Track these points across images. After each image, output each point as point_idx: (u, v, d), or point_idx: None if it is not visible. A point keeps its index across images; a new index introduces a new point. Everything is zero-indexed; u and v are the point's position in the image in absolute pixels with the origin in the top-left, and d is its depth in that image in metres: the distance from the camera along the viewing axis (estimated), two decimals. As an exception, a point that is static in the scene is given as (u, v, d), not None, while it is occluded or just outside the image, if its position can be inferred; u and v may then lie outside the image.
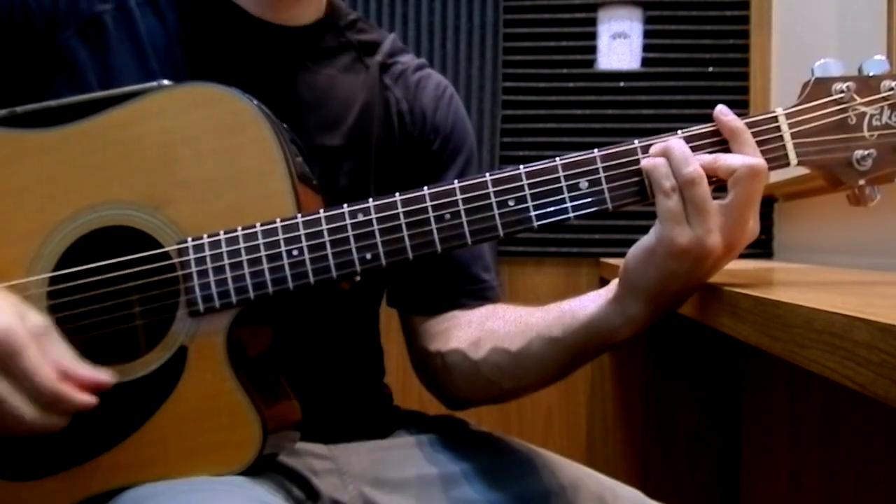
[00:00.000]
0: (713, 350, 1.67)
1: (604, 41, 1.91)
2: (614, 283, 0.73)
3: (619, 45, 1.90)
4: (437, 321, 0.91)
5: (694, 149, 0.69)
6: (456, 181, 0.71)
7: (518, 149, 1.91)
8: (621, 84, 1.90)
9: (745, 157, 0.67)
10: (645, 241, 0.69)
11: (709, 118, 0.71)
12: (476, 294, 0.91)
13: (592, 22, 1.91)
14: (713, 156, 0.68)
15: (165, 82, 0.74)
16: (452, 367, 0.86)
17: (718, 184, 0.68)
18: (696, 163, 0.67)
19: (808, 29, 1.67)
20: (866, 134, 0.70)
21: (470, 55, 1.92)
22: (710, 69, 1.89)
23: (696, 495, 1.67)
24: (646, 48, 1.90)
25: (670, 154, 0.68)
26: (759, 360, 1.49)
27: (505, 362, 0.81)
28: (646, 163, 0.69)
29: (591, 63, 1.92)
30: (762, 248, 1.86)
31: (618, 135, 1.87)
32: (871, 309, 0.45)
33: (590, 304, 0.74)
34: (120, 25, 0.82)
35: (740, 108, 1.84)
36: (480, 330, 0.85)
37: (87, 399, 0.65)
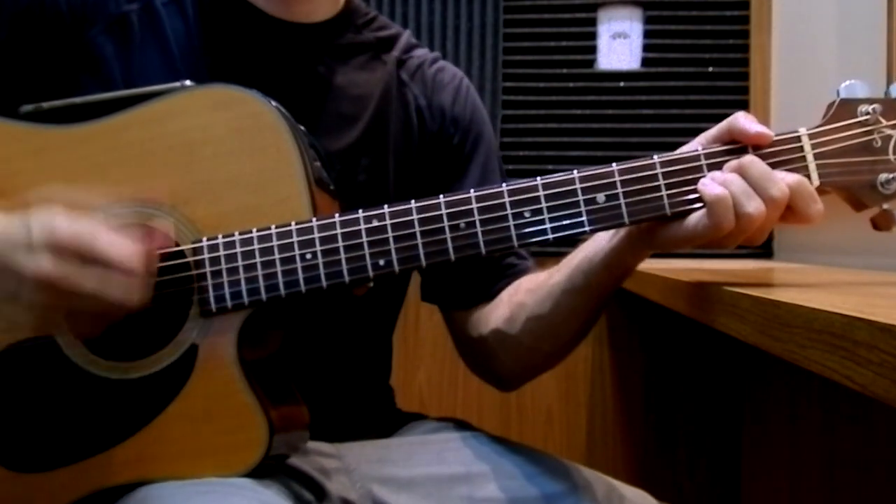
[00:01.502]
0: (713, 350, 1.67)
1: (604, 41, 1.91)
2: (625, 233, 0.73)
3: (619, 45, 1.90)
4: (474, 310, 0.93)
5: (713, 166, 0.68)
6: (472, 190, 0.71)
7: (518, 149, 1.91)
8: (621, 84, 1.90)
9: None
10: (690, 227, 0.68)
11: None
12: (509, 278, 0.93)
13: (592, 22, 1.91)
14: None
15: (188, 83, 0.74)
16: (496, 346, 0.89)
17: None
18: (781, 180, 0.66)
19: (808, 29, 1.67)
20: (892, 157, 0.68)
21: (470, 55, 1.92)
22: (710, 69, 1.88)
23: (696, 495, 1.67)
24: (646, 48, 1.90)
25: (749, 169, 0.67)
26: (759, 360, 1.49)
27: (541, 327, 0.84)
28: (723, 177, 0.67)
29: (591, 63, 1.92)
30: (762, 248, 1.85)
31: (618, 135, 1.87)
32: (871, 309, 0.45)
33: (601, 248, 0.77)
34: (146, 25, 0.83)
35: (740, 108, 1.84)
36: (510, 305, 0.88)
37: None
